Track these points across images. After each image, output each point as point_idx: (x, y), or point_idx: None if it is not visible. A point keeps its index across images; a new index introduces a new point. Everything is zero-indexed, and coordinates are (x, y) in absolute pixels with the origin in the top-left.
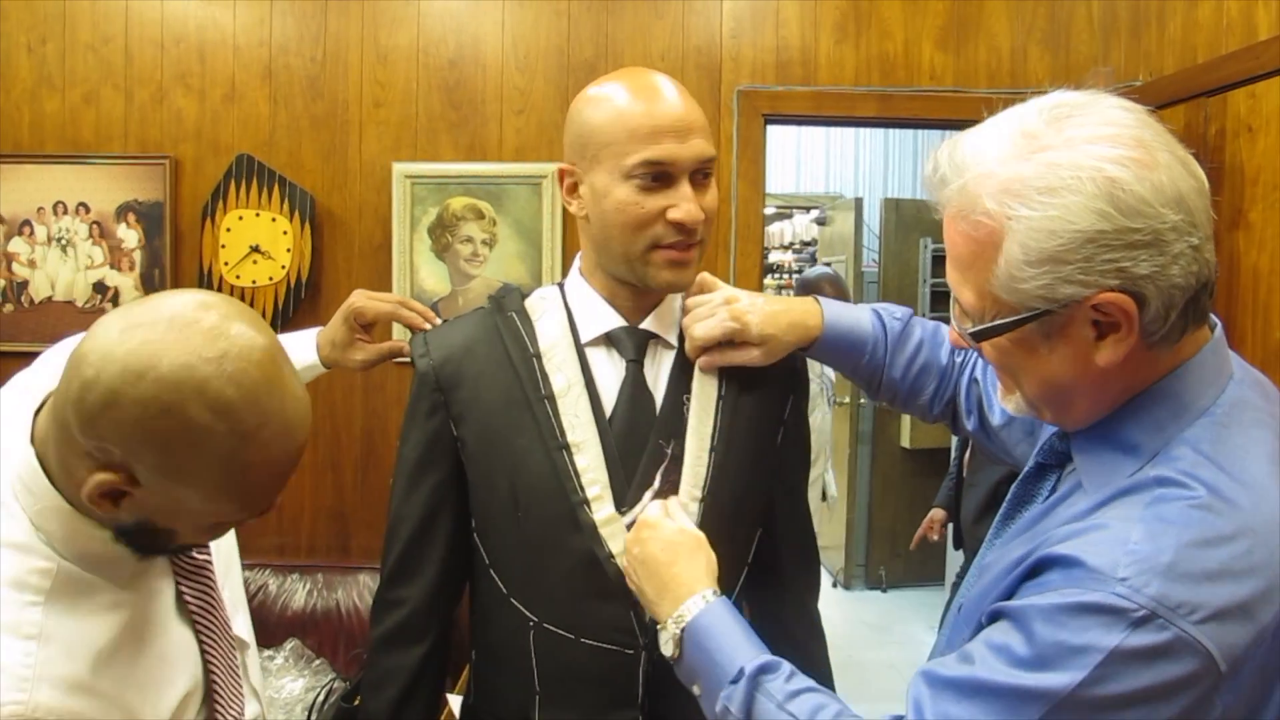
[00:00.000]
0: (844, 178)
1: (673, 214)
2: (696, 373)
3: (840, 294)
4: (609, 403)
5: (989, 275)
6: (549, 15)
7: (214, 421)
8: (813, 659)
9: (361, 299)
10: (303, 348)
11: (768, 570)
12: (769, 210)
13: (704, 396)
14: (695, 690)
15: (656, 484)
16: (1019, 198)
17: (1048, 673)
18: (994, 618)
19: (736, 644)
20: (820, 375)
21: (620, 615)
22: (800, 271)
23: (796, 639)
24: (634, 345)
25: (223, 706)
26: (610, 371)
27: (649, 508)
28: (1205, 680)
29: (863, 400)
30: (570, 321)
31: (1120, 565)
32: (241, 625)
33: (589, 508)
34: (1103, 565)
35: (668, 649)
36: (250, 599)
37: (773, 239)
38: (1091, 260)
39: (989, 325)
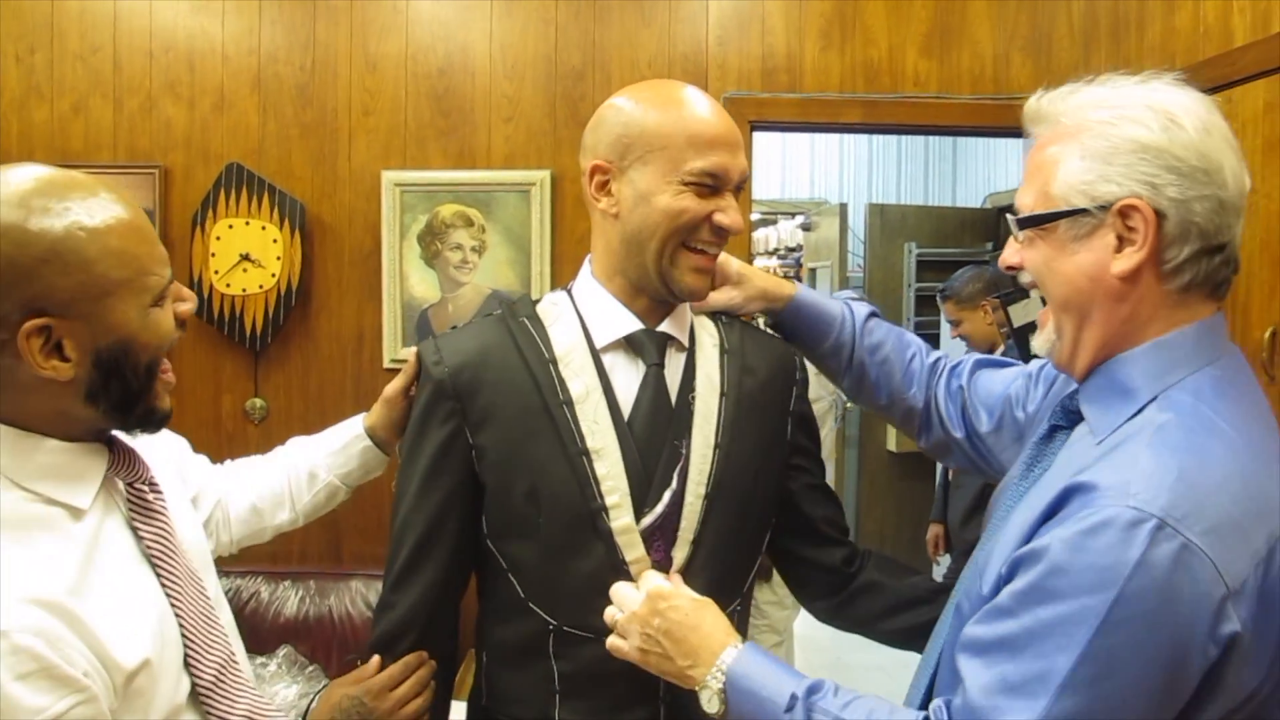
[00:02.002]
0: (829, 183)
1: (719, 218)
2: (699, 370)
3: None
4: (626, 407)
5: (1052, 177)
6: (537, 23)
7: (35, 213)
8: (878, 558)
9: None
10: (350, 424)
11: (802, 531)
12: (754, 216)
13: (708, 393)
14: None
15: (674, 484)
16: (1096, 107)
17: (1082, 598)
18: (1015, 566)
19: (779, 677)
20: (834, 391)
21: None
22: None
23: (849, 556)
24: (656, 348)
25: (198, 656)
26: (628, 376)
27: (651, 577)
28: (1216, 594)
29: (849, 404)
30: (584, 326)
31: (1132, 483)
32: (225, 620)
33: (607, 515)
34: (1116, 484)
35: (712, 706)
36: (243, 606)
37: (758, 245)
38: (1132, 167)
39: (1036, 214)
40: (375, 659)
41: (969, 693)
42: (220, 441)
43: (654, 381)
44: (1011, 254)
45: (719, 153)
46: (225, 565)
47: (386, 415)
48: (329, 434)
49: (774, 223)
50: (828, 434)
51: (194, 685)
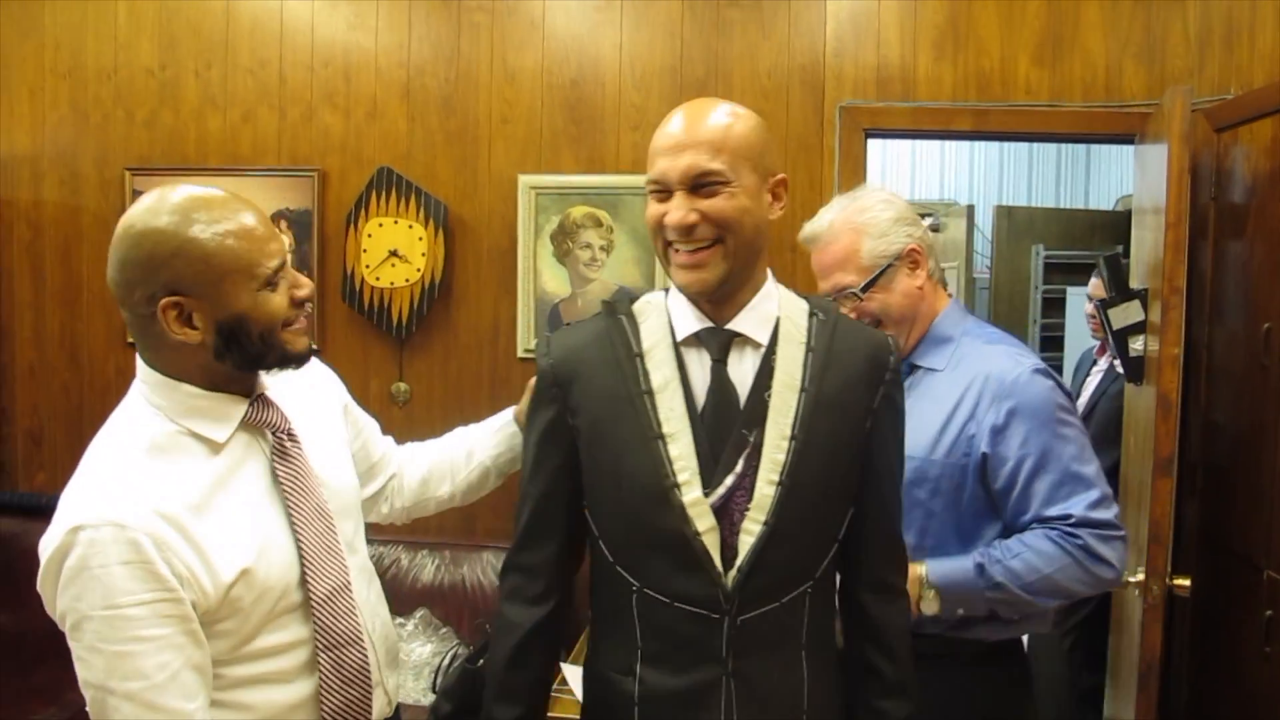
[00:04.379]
0: (959, 185)
1: (666, 219)
2: (778, 367)
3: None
4: (700, 396)
5: (859, 257)
6: (663, 37)
7: (171, 219)
8: (887, 628)
9: None
10: (497, 416)
11: (852, 545)
12: None
13: (785, 389)
14: (960, 611)
15: (739, 468)
16: (861, 213)
17: (1053, 420)
18: (995, 442)
19: (960, 560)
20: None
21: (707, 584)
22: None
23: (867, 607)
24: (718, 345)
25: (314, 575)
26: (700, 369)
27: None
28: None
29: None
30: (670, 323)
31: (1007, 362)
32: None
33: (679, 491)
34: (1001, 367)
35: (933, 606)
36: (384, 571)
37: None
38: (899, 229)
39: (870, 280)
40: None
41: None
42: None
43: (716, 375)
44: (856, 308)
45: (660, 159)
46: (371, 535)
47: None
48: (485, 422)
49: None
50: None
51: (308, 597)
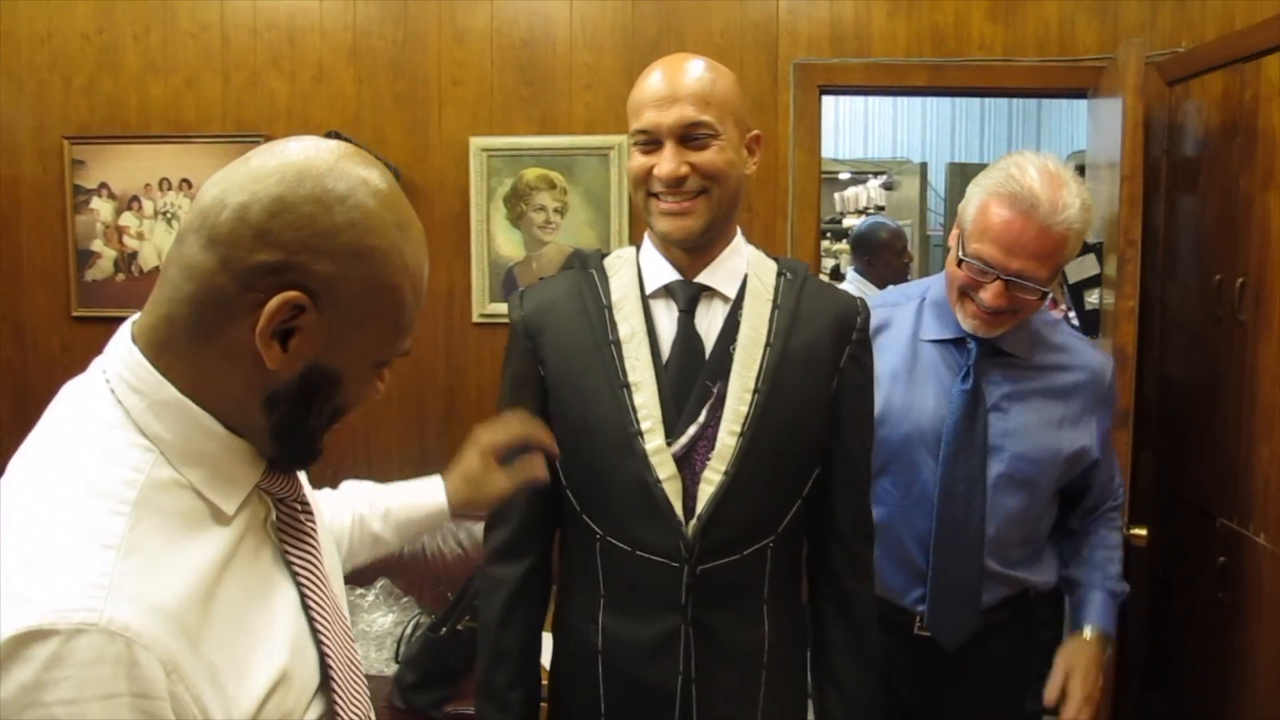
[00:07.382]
0: (911, 142)
1: (655, 169)
2: (744, 321)
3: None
4: (666, 348)
5: (1062, 261)
6: None
7: (381, 209)
8: (854, 602)
9: (490, 435)
10: (430, 493)
11: (823, 511)
12: (844, 175)
13: (750, 343)
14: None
15: (702, 419)
16: (1084, 214)
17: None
18: None
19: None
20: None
21: (668, 533)
22: None
23: (841, 580)
24: (686, 297)
25: (344, 702)
26: (668, 320)
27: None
28: None
29: None
30: (639, 277)
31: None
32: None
33: (642, 438)
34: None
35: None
36: None
37: (848, 204)
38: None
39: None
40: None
41: None
42: None
43: (683, 326)
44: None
45: (648, 110)
46: None
47: (468, 491)
48: (410, 506)
49: (863, 181)
50: None
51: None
